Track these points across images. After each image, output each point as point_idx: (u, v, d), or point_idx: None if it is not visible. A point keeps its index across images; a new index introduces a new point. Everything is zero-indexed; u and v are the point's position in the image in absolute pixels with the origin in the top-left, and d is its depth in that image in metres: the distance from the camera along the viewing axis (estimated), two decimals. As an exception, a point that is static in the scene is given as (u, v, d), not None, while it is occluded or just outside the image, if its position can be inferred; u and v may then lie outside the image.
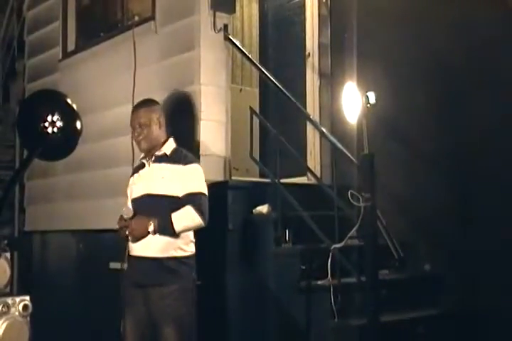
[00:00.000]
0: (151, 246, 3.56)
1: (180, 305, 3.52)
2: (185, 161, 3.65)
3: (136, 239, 3.56)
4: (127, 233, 3.55)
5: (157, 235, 3.53)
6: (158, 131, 3.72)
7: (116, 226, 3.63)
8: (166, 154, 3.70)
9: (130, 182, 3.84)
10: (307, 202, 4.26)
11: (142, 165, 3.78)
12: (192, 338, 3.57)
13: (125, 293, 3.67)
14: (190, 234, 3.64)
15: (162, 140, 3.74)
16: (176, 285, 3.54)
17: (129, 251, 3.65)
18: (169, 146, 3.74)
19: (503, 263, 4.11)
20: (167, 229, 3.51)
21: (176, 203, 3.55)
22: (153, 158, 3.71)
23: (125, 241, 3.62)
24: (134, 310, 3.62)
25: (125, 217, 3.56)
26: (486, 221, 4.23)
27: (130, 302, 3.63)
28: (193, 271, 3.63)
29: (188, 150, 3.81)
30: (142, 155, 3.81)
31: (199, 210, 3.53)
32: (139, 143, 3.75)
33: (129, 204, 3.77)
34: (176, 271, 3.56)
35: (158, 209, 3.56)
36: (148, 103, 3.82)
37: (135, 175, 3.81)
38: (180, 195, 3.58)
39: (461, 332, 4.12)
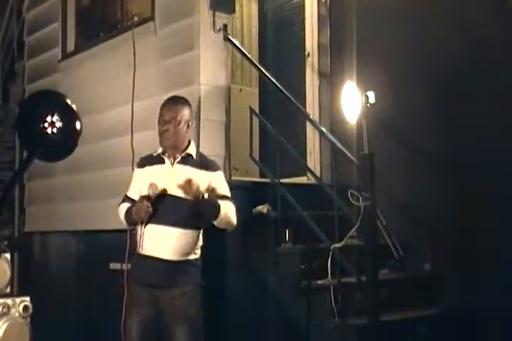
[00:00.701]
0: (169, 249, 3.47)
1: (192, 305, 3.51)
2: (213, 168, 3.57)
3: (193, 196, 3.31)
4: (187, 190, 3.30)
5: (176, 238, 3.46)
6: (186, 132, 3.58)
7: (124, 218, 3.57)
8: (192, 156, 3.58)
9: (140, 175, 3.65)
10: (307, 202, 4.26)
11: (160, 161, 3.61)
12: (201, 338, 3.56)
13: (132, 292, 3.61)
14: (201, 239, 3.61)
15: (186, 143, 3.61)
16: (188, 286, 3.51)
17: (136, 250, 3.58)
18: (193, 150, 3.63)
19: (503, 263, 4.11)
20: (215, 207, 3.37)
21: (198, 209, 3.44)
22: (179, 158, 3.57)
23: (131, 239, 3.56)
24: (141, 310, 3.56)
25: (151, 194, 3.40)
26: (485, 220, 4.23)
27: (137, 302, 3.58)
28: (200, 272, 3.61)
29: None
30: (160, 150, 3.63)
31: (233, 213, 3.48)
32: (163, 139, 3.57)
33: (131, 195, 3.65)
34: (188, 272, 3.53)
35: (179, 212, 3.46)
36: (186, 102, 3.65)
37: (147, 167, 3.63)
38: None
39: (461, 332, 4.12)
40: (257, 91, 5.73)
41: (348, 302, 3.82)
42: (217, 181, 3.50)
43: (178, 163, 3.57)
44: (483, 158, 4.30)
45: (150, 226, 3.51)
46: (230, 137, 4.57)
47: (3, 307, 2.63)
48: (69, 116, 2.01)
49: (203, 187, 3.34)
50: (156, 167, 3.61)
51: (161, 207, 3.49)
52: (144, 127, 4.82)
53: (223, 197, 3.47)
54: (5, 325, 2.62)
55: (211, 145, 4.46)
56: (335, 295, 3.76)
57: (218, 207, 3.39)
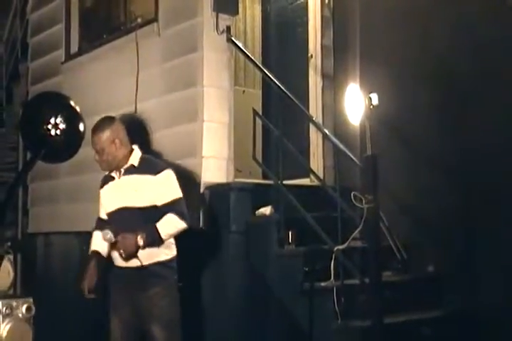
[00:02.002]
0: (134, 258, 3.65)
1: (165, 304, 3.65)
2: (154, 170, 3.69)
3: (129, 256, 3.62)
4: (121, 251, 3.60)
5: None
6: (116, 151, 3.70)
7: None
8: (133, 165, 3.73)
9: (101, 195, 3.87)
10: (310, 204, 4.25)
11: (111, 178, 3.80)
12: (178, 336, 3.70)
13: (111, 296, 3.82)
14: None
15: (124, 155, 3.73)
16: (159, 287, 3.66)
17: (112, 260, 3.76)
18: (135, 157, 3.76)
19: (507, 265, 4.10)
20: (155, 240, 3.59)
21: (154, 212, 3.62)
22: (123, 171, 3.74)
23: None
24: (120, 312, 3.76)
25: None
26: (488, 222, 4.23)
27: (116, 305, 3.78)
28: (175, 273, 3.74)
29: (158, 156, 3.97)
30: None
31: (180, 215, 3.62)
32: (100, 166, 3.80)
33: (103, 215, 3.87)
34: (159, 274, 3.68)
35: (136, 222, 3.62)
36: (100, 127, 3.72)
37: (105, 186, 3.84)
38: (156, 203, 3.65)
39: (465, 333, 4.11)
40: (260, 92, 5.74)
41: (351, 304, 3.81)
42: (161, 183, 3.67)
43: (124, 175, 3.74)
44: (487, 159, 4.30)
45: None
46: (233, 139, 4.57)
47: (6, 308, 2.64)
48: (72, 117, 2.02)
49: (150, 193, 3.62)
50: (108, 185, 3.82)
51: (116, 220, 3.71)
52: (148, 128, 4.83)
53: (167, 205, 3.63)
54: (8, 326, 2.62)
55: (214, 146, 4.47)
56: (338, 297, 3.75)
57: (158, 238, 3.58)
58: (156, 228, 3.57)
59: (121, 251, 3.58)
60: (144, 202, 3.65)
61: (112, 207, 3.77)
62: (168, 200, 3.64)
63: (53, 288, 5.65)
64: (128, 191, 3.69)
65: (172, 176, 3.73)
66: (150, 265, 3.65)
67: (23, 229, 6.50)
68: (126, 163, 3.72)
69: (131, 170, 3.72)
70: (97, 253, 3.79)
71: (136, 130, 4.78)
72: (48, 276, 5.99)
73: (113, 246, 3.66)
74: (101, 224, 3.86)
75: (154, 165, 3.75)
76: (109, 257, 3.78)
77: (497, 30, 4.29)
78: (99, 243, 3.76)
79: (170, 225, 3.61)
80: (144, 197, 3.65)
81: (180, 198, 3.68)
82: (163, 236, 3.58)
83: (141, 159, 3.76)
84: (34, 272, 6.20)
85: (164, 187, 3.66)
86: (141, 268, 3.63)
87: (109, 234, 3.60)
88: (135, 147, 3.80)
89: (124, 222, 3.66)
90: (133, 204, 3.66)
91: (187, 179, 4.46)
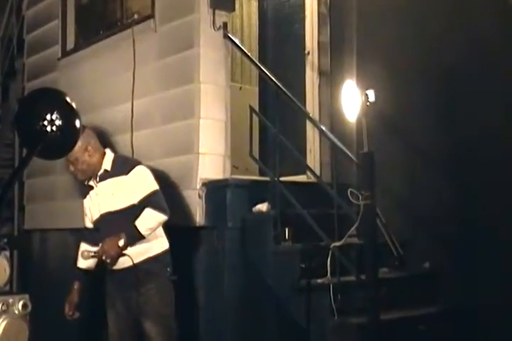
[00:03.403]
0: (126, 259, 3.67)
1: (157, 300, 3.70)
2: (125, 170, 3.74)
3: (114, 261, 3.67)
4: (104, 258, 3.65)
5: (129, 248, 3.65)
6: (90, 159, 3.75)
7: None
8: (107, 170, 3.78)
9: (85, 205, 3.92)
10: (307, 201, 4.25)
11: (90, 187, 3.86)
12: (172, 331, 3.75)
13: (106, 291, 3.89)
14: (157, 231, 3.75)
15: (98, 160, 3.78)
16: (151, 283, 3.70)
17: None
18: (108, 161, 3.81)
19: (503, 261, 4.11)
20: (136, 238, 3.63)
21: (135, 211, 3.67)
22: (98, 178, 3.79)
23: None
24: (115, 308, 3.82)
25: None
26: (485, 219, 4.23)
27: (111, 301, 3.85)
28: (168, 267, 3.79)
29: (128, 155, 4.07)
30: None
31: (157, 208, 3.66)
32: (75, 176, 3.87)
33: (88, 224, 3.94)
34: (150, 271, 3.72)
35: (120, 224, 3.66)
36: None
37: (87, 196, 3.90)
38: (134, 202, 3.70)
39: (461, 330, 4.12)
40: (256, 89, 5.73)
41: (347, 300, 3.82)
42: (133, 181, 3.72)
43: (99, 181, 3.79)
44: (484, 156, 4.30)
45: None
46: (230, 135, 4.56)
47: (2, 305, 2.63)
48: (68, 113, 2.00)
49: (127, 193, 3.68)
50: (89, 195, 3.87)
51: (102, 226, 3.79)
52: (144, 125, 4.82)
53: (143, 201, 3.67)
54: (4, 323, 2.62)
55: (211, 143, 4.46)
56: (334, 293, 3.76)
57: (138, 234, 3.62)
58: (135, 225, 3.61)
59: (104, 257, 3.63)
60: (123, 204, 3.71)
61: (96, 215, 3.83)
62: (143, 196, 3.69)
63: (49, 284, 5.64)
64: (106, 196, 3.75)
65: (143, 171, 3.78)
66: (142, 262, 3.69)
67: (19, 225, 6.49)
68: (100, 168, 3.78)
69: (106, 175, 3.78)
70: (81, 270, 3.92)
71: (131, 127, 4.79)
72: (44, 273, 5.97)
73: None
74: (86, 234, 3.98)
75: (125, 164, 3.80)
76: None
77: (494, 27, 4.29)
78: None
79: (148, 220, 3.65)
80: (122, 199, 3.71)
81: (154, 191, 3.72)
82: (142, 232, 3.62)
83: (113, 162, 3.81)
84: (30, 268, 6.19)
85: (137, 184, 3.72)
86: (133, 267, 3.66)
87: (86, 253, 3.72)
88: (107, 150, 3.87)
89: (109, 227, 3.71)
90: (113, 208, 3.73)
91: (183, 175, 4.47)
